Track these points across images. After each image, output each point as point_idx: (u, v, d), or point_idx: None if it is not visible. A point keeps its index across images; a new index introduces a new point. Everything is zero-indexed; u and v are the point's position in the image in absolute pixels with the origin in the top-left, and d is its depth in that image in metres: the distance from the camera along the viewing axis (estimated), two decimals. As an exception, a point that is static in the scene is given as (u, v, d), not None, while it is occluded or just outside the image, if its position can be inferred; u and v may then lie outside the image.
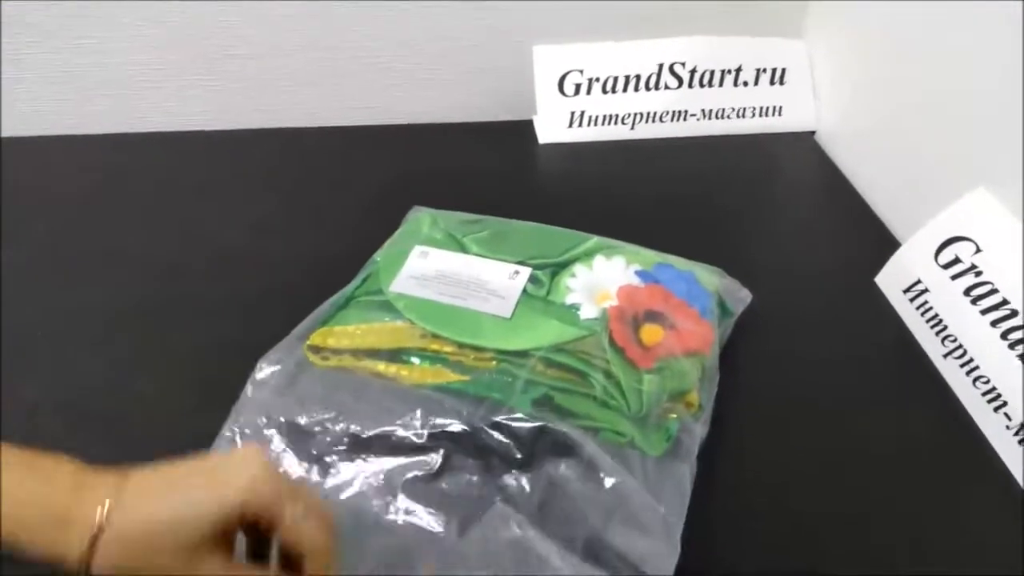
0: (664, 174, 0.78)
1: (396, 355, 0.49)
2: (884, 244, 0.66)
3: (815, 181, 0.79)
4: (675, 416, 0.48)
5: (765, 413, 0.53)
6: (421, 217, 0.62)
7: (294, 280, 0.60)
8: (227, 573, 0.33)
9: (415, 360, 0.48)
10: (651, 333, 0.52)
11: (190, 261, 0.64)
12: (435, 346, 0.49)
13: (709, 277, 0.58)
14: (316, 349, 0.50)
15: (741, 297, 0.59)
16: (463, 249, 0.57)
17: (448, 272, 0.54)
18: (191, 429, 0.44)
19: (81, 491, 0.32)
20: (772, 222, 0.73)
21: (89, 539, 0.31)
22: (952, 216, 0.58)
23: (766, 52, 0.83)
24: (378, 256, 0.58)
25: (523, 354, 0.49)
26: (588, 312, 0.52)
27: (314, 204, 0.72)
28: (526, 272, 0.54)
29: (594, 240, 0.58)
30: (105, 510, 0.31)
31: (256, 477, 0.33)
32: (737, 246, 0.68)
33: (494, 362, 0.48)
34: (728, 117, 0.83)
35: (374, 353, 0.49)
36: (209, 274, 0.63)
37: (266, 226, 0.69)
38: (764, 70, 0.83)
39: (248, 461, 0.34)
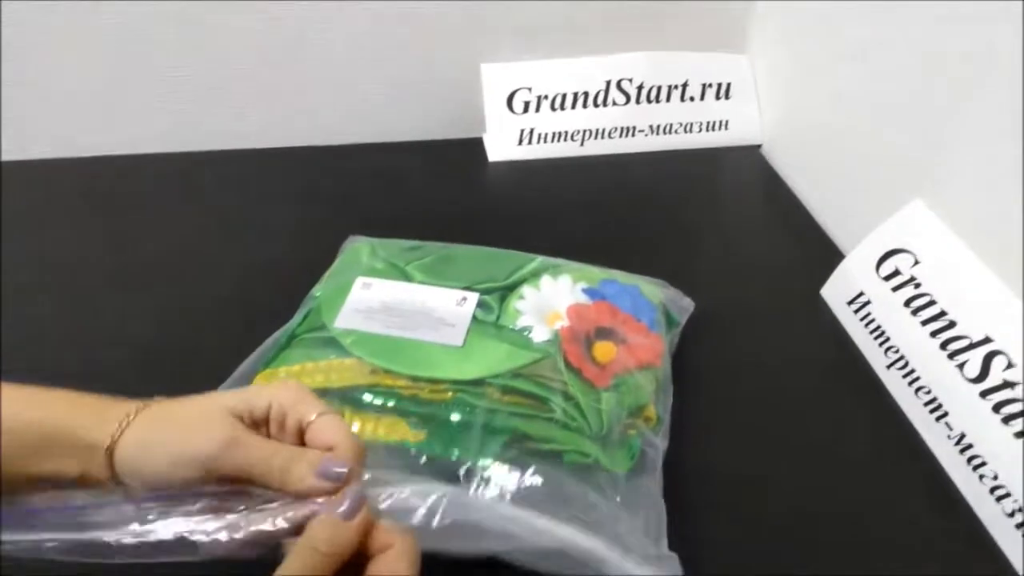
0: (614, 190, 0.79)
1: (347, 394, 0.48)
2: (829, 256, 0.67)
3: (762, 194, 0.80)
4: (635, 432, 0.48)
5: (717, 426, 0.53)
6: (359, 247, 0.60)
7: (235, 304, 0.61)
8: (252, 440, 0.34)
9: (367, 397, 0.47)
10: (604, 350, 0.52)
11: (128, 286, 0.63)
12: (388, 381, 0.48)
13: (652, 289, 0.58)
14: None
15: (684, 306, 0.60)
16: (407, 278, 0.56)
17: (393, 303, 0.53)
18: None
19: (107, 405, 0.34)
20: (720, 236, 0.74)
21: (119, 423, 0.33)
22: (890, 229, 0.59)
23: (711, 67, 0.84)
24: (317, 291, 0.56)
25: (479, 383, 0.48)
26: (540, 334, 0.51)
27: (257, 226, 0.71)
28: (474, 298, 0.54)
29: (538, 260, 0.58)
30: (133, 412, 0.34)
31: (284, 384, 0.37)
32: (686, 260, 0.69)
33: (450, 393, 0.47)
34: (676, 132, 0.84)
35: (323, 393, 0.48)
36: (146, 299, 0.62)
37: (207, 250, 0.68)
38: (710, 85, 0.84)
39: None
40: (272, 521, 0.32)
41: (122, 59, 0.75)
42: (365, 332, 0.51)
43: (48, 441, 0.33)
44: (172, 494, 0.33)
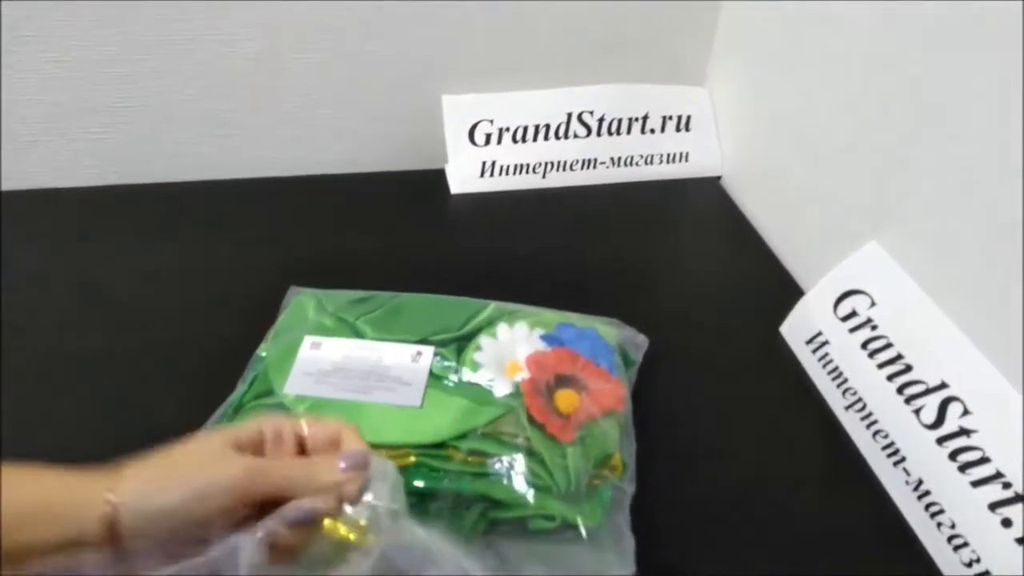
0: (574, 223, 0.78)
1: None
2: (789, 292, 0.68)
3: (722, 227, 0.80)
4: (601, 482, 0.47)
5: (678, 466, 0.53)
6: (303, 300, 0.58)
7: (184, 342, 0.59)
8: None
9: None
10: (566, 399, 0.51)
11: (79, 320, 0.61)
12: None
13: (608, 330, 0.58)
14: None
15: (638, 343, 0.60)
16: (357, 334, 0.54)
17: (346, 363, 0.51)
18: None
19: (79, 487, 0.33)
20: (679, 269, 0.74)
21: (105, 522, 0.32)
22: (847, 269, 0.60)
23: (671, 99, 0.85)
24: (263, 351, 0.54)
25: (441, 445, 0.47)
26: (501, 388, 0.50)
27: (207, 264, 0.69)
28: (429, 352, 0.52)
29: (492, 306, 0.57)
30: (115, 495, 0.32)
31: (265, 414, 0.40)
32: (644, 294, 0.70)
33: (412, 458, 0.46)
34: (636, 164, 0.84)
35: None
36: (95, 333, 0.60)
37: (157, 285, 0.66)
38: (670, 117, 0.85)
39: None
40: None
41: (69, 89, 0.72)
42: (318, 398, 0.49)
43: (38, 507, 0.32)
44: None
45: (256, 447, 0.37)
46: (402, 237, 0.74)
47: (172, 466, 0.34)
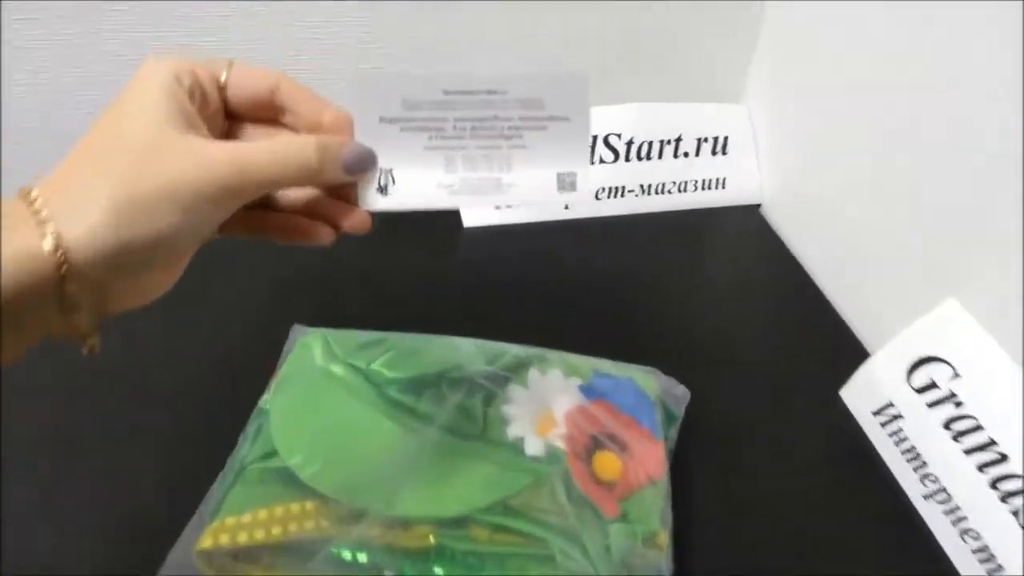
0: (600, 258, 0.71)
1: (309, 549, 0.40)
2: (843, 342, 0.61)
3: (763, 263, 0.73)
4: (641, 561, 0.42)
5: (717, 552, 0.47)
6: (309, 341, 0.51)
7: (175, 391, 0.54)
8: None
9: (334, 551, 0.39)
10: (607, 464, 0.45)
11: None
12: (357, 531, 0.40)
13: (647, 380, 0.52)
14: (207, 556, 0.40)
15: (679, 396, 0.53)
16: (370, 380, 0.47)
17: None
18: None
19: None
20: (717, 312, 0.67)
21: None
22: (922, 331, 0.52)
23: (707, 119, 0.77)
24: (266, 403, 0.47)
25: (462, 521, 0.41)
26: (533, 448, 0.44)
27: (201, 302, 0.60)
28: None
29: (514, 349, 0.51)
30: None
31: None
32: (679, 342, 0.62)
33: (431, 537, 0.40)
34: (668, 192, 0.76)
35: (283, 549, 0.40)
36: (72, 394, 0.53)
37: (141, 329, 0.58)
38: (705, 139, 0.77)
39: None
40: None
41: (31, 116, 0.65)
42: (328, 459, 0.42)
43: None
44: None
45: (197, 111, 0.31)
46: (412, 275, 0.67)
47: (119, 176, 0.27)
